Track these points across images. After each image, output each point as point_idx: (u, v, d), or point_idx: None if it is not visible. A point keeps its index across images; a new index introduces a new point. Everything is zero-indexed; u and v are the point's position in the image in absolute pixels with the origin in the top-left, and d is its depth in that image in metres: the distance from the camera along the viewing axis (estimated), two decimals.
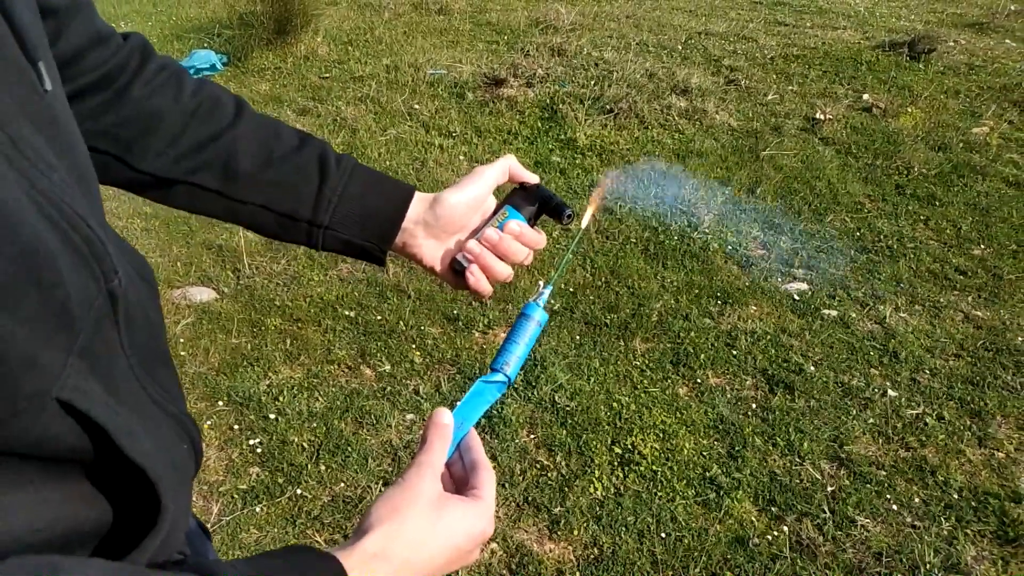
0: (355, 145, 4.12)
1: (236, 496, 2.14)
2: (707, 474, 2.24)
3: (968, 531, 2.07)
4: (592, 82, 4.99)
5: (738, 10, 7.63)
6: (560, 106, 4.61)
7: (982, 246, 3.48)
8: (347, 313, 2.87)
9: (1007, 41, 7.02)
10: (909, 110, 4.91)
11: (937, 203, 3.82)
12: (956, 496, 2.19)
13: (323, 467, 2.22)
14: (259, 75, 5.19)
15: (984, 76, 5.75)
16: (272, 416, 2.40)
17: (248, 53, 5.41)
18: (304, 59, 5.51)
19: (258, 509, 2.10)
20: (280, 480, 2.18)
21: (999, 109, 5.04)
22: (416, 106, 4.68)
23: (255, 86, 4.98)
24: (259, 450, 2.28)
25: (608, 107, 4.63)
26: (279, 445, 2.29)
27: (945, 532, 2.07)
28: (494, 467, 2.19)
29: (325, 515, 2.08)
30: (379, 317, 2.85)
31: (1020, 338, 2.87)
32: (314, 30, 5.93)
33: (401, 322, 2.83)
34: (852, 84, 5.41)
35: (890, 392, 2.58)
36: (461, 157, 4.10)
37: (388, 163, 3.99)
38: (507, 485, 2.18)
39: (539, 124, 4.47)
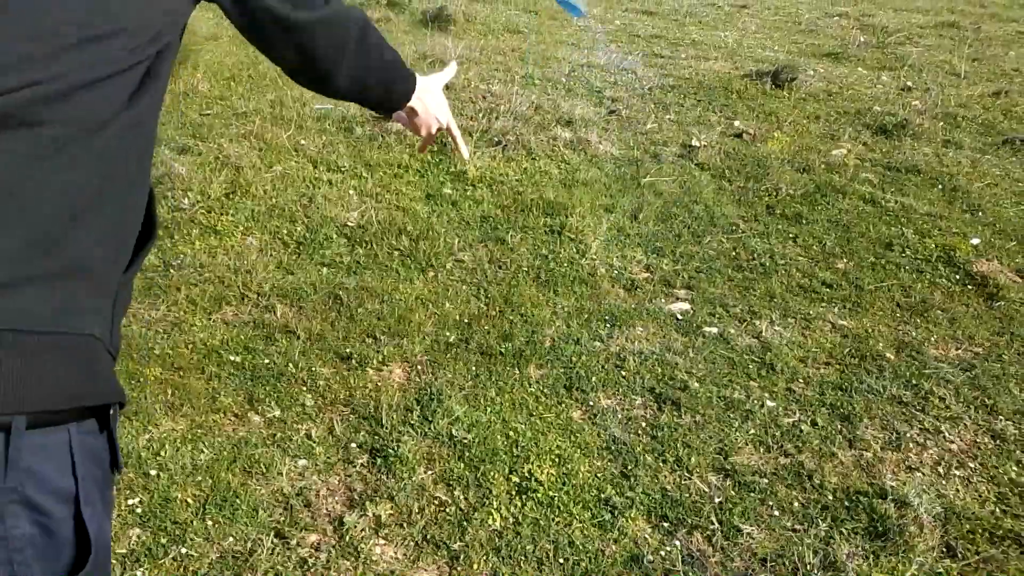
0: (239, 183, 4.01)
1: (115, 561, 2.00)
2: (602, 496, 2.29)
3: (843, 530, 2.21)
4: (480, 115, 5.08)
5: (618, 43, 7.99)
6: (450, 139, 4.65)
7: (845, 260, 3.76)
8: (232, 358, 2.77)
9: (859, 69, 7.67)
10: (776, 135, 5.27)
11: (804, 221, 4.11)
12: (831, 497, 2.33)
13: (210, 522, 2.12)
14: None
15: (840, 102, 6.26)
16: (153, 472, 2.27)
17: None
18: (184, 95, 5.33)
19: (139, 574, 1.98)
20: (163, 540, 2.07)
21: (854, 132, 5.50)
22: (303, 141, 4.61)
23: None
24: (139, 510, 2.15)
25: (496, 139, 4.72)
26: (161, 503, 2.17)
27: (822, 533, 2.19)
28: (391, 508, 2.16)
29: (213, 573, 1.99)
30: (267, 360, 2.77)
31: (881, 344, 3.11)
32: (194, 65, 5.76)
33: (291, 364, 2.75)
34: (724, 112, 5.76)
35: (768, 403, 2.72)
36: (351, 192, 4.07)
37: (275, 200, 3.91)
38: (405, 525, 2.15)
39: (430, 157, 4.50)
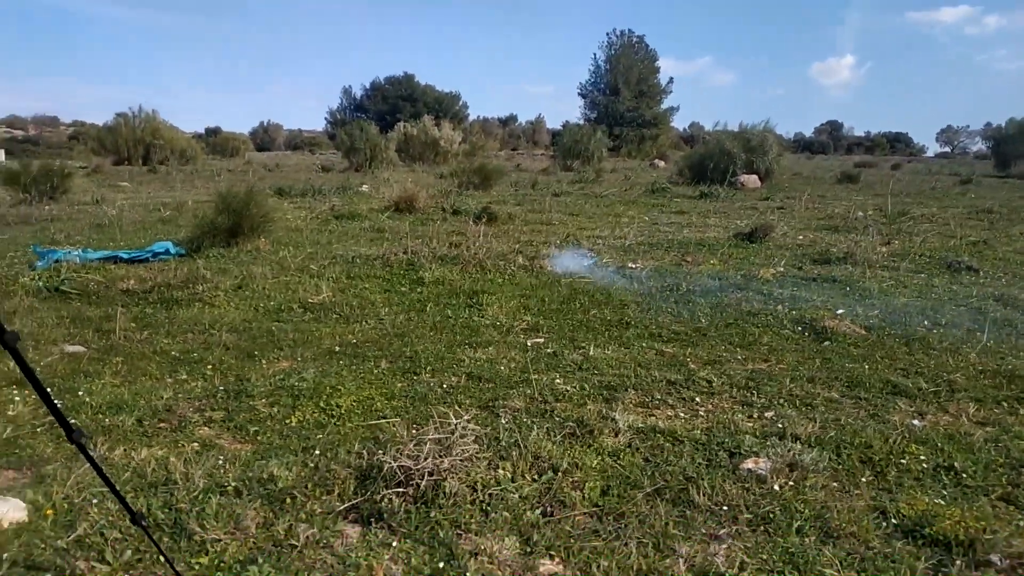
0: (247, 283, 5.29)
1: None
2: (380, 413, 2.97)
3: (547, 426, 2.73)
4: (456, 249, 6.26)
5: (631, 227, 9.14)
6: (421, 261, 5.83)
7: (706, 321, 4.32)
8: (174, 354, 3.78)
9: (851, 235, 8.26)
10: (712, 261, 6.00)
11: (690, 303, 4.73)
12: (558, 419, 2.86)
13: (102, 394, 3.01)
14: (206, 258, 6.58)
15: (804, 249, 6.90)
16: (80, 393, 3.23)
17: (203, 246, 6.88)
18: (247, 252, 6.94)
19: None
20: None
21: (793, 259, 6.12)
22: (312, 266, 5.94)
23: (198, 261, 6.34)
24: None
25: (457, 262, 5.82)
26: (72, 400, 3.10)
27: (534, 431, 2.73)
28: (223, 415, 2.95)
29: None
30: (195, 355, 3.75)
31: (691, 361, 3.63)
32: (264, 235, 7.46)
33: (210, 357, 3.72)
34: (684, 256, 6.59)
35: (556, 380, 3.32)
36: (322, 285, 5.22)
37: (267, 291, 5.11)
38: (226, 423, 2.93)
39: (401, 271, 5.65)
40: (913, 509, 2.13)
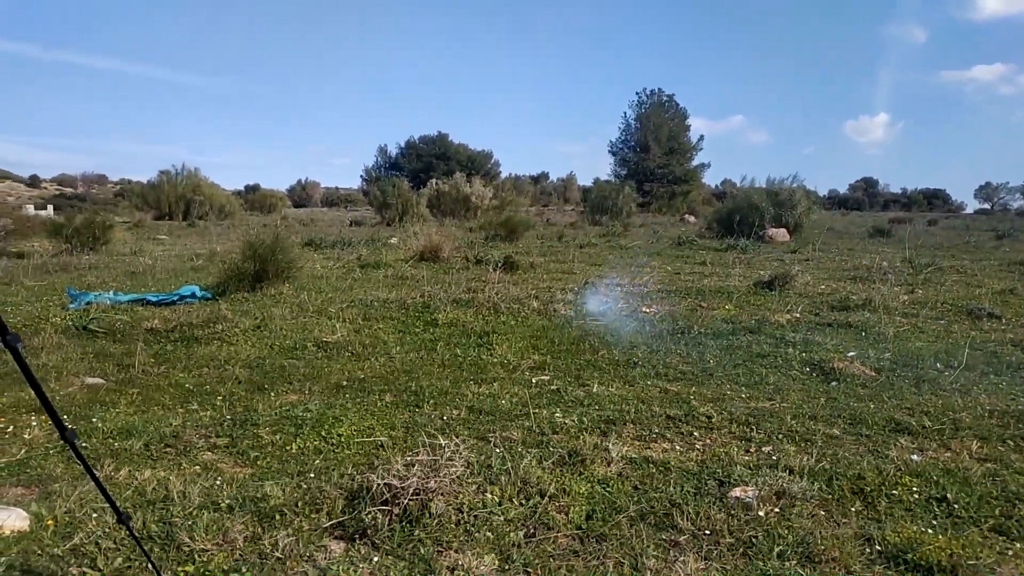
0: (265, 323, 5.43)
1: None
2: (377, 440, 3.02)
3: (542, 455, 2.75)
4: (473, 294, 6.35)
5: (652, 276, 9.18)
6: (436, 304, 5.92)
7: (714, 362, 4.31)
8: (187, 386, 3.89)
9: (877, 285, 8.19)
10: (727, 307, 6.00)
11: (701, 345, 4.73)
12: (560, 450, 2.88)
13: (121, 417, 3.11)
14: (230, 302, 6.77)
15: (823, 297, 6.86)
16: (94, 420, 3.34)
17: (229, 290, 7.09)
18: (271, 296, 7.13)
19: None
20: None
21: (811, 307, 6.08)
22: (331, 309, 6.07)
23: (221, 304, 6.53)
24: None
25: (472, 305, 5.91)
26: (90, 424, 3.21)
27: (532, 454, 2.75)
28: (227, 440, 3.04)
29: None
30: (207, 388, 3.86)
31: (694, 399, 3.62)
32: (287, 280, 7.67)
33: (221, 390, 3.82)
34: (699, 301, 6.59)
35: (556, 414, 3.35)
36: (338, 325, 5.33)
37: (285, 330, 5.24)
38: (231, 450, 3.01)
39: (416, 312, 5.75)
40: (899, 536, 2.10)
